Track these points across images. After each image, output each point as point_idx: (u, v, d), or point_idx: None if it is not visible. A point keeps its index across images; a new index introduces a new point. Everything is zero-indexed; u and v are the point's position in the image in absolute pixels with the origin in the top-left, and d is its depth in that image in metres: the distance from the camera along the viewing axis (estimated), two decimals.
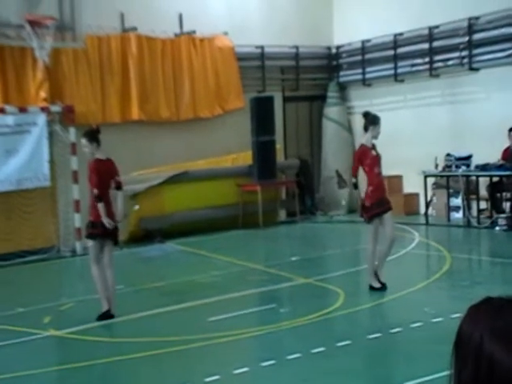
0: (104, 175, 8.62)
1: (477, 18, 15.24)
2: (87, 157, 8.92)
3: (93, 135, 8.73)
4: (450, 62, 15.88)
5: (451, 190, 15.36)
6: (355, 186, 9.84)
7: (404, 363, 6.86)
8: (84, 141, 8.70)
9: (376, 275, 9.44)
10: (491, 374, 1.42)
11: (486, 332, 1.44)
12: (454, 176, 14.96)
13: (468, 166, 14.86)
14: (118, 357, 7.25)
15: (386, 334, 7.50)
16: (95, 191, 8.58)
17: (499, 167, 14.14)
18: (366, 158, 9.49)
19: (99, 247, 8.73)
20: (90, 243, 8.95)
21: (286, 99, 18.25)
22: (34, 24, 12.94)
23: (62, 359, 7.91)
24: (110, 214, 8.65)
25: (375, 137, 9.58)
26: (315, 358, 6.83)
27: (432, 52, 16.22)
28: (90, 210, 8.85)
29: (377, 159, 9.57)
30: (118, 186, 8.84)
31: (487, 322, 1.45)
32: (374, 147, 9.57)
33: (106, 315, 8.67)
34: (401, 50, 16.95)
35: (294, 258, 12.46)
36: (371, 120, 9.64)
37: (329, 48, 18.70)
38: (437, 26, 16.00)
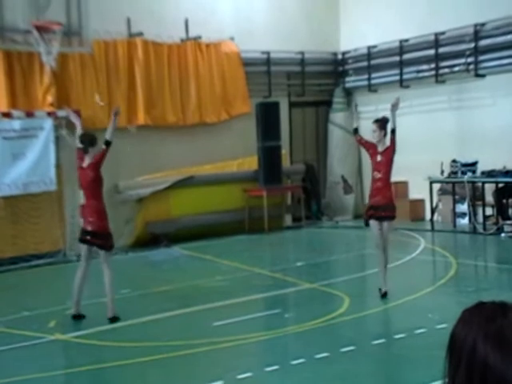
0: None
1: (483, 25, 15.24)
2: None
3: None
4: (456, 68, 15.87)
5: (457, 196, 15.35)
6: None
7: (408, 369, 6.86)
8: None
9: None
10: (484, 378, 1.44)
11: (479, 336, 1.46)
12: (460, 182, 14.97)
13: (474, 172, 14.86)
14: (123, 361, 7.28)
15: (391, 340, 7.51)
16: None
17: (505, 173, 14.13)
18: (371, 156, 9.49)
19: (85, 251, 9.34)
20: None
21: (291, 104, 18.27)
22: (41, 29, 13.01)
23: (67, 363, 7.92)
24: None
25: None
26: (319, 364, 6.84)
27: (438, 58, 16.22)
28: None
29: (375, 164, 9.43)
30: None
31: (480, 327, 1.47)
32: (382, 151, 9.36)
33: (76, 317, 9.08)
34: (407, 56, 16.95)
35: (299, 263, 12.47)
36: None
37: (335, 54, 18.73)
38: (443, 32, 16.01)
